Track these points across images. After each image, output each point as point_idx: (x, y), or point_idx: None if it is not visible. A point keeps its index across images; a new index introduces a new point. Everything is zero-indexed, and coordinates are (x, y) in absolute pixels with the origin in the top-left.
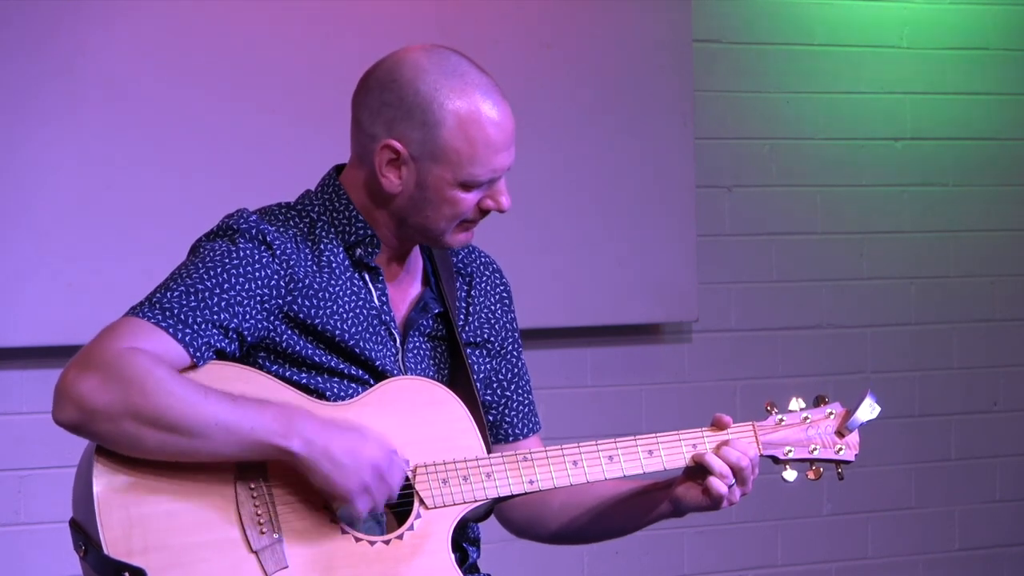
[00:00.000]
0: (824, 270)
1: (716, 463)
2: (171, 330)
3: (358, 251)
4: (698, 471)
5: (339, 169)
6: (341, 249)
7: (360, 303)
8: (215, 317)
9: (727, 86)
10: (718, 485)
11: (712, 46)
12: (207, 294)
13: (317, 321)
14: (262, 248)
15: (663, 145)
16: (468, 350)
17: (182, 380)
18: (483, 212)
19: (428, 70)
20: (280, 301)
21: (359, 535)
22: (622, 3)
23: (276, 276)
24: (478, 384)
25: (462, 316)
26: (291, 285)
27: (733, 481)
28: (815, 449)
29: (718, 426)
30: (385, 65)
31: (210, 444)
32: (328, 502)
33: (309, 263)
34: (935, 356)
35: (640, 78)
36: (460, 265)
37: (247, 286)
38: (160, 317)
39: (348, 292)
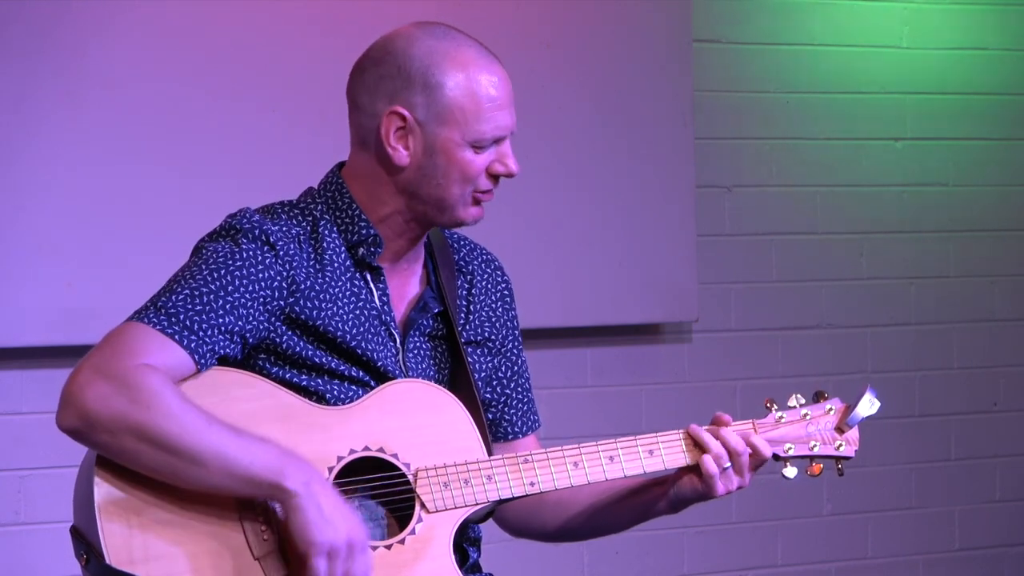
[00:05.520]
0: (824, 270)
1: (713, 443)
2: (177, 337)
3: (360, 251)
4: (696, 467)
5: (342, 166)
6: (343, 249)
7: (361, 304)
8: (220, 321)
9: (727, 86)
10: (710, 464)
11: (712, 46)
12: (212, 297)
13: (319, 322)
14: (265, 248)
15: (663, 145)
16: (469, 349)
17: (189, 407)
18: (493, 178)
19: (419, 37)
20: (282, 302)
21: None
22: (622, 3)
23: (279, 277)
24: (479, 383)
25: (463, 314)
26: (293, 286)
27: (728, 464)
28: (815, 446)
29: (718, 425)
30: (375, 46)
31: (205, 471)
32: (296, 549)
33: (311, 263)
34: (935, 356)
35: (640, 78)
36: (461, 263)
37: (250, 288)
38: (166, 323)
39: (349, 293)
